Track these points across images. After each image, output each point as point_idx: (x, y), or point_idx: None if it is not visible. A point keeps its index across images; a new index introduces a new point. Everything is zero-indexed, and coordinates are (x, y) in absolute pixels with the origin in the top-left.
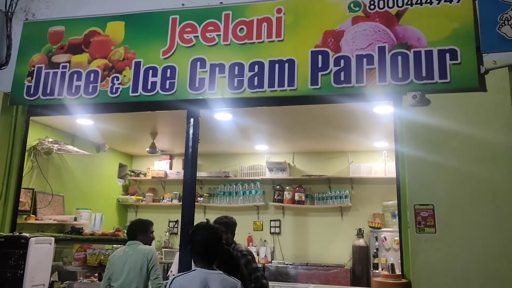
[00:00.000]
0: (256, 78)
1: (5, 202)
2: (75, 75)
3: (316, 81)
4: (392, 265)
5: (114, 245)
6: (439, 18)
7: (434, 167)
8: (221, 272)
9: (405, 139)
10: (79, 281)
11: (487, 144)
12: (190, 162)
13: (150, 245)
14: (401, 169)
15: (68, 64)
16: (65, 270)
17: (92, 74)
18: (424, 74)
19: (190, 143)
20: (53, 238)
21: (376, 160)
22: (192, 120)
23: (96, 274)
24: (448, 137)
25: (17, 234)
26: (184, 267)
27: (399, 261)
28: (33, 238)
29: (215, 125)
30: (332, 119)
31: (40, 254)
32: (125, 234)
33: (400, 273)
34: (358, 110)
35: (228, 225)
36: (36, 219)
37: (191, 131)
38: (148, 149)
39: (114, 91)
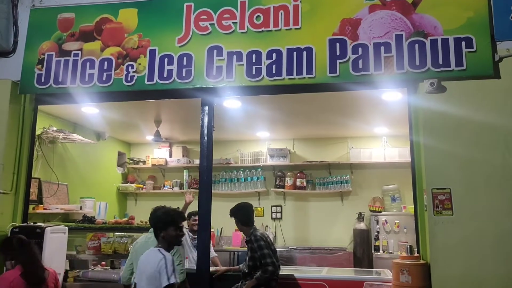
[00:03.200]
0: (274, 66)
1: (16, 192)
2: (88, 63)
3: (334, 69)
4: (411, 247)
5: (128, 233)
6: (454, 7)
7: (450, 153)
8: (158, 248)
9: (421, 126)
10: (92, 269)
11: (500, 130)
12: (206, 150)
13: None
14: (416, 154)
15: (80, 52)
16: (78, 258)
17: (106, 62)
18: (441, 61)
19: (205, 131)
20: (66, 227)
21: (375, 145)
22: (206, 108)
23: (103, 263)
24: (462, 123)
25: (32, 224)
26: (201, 252)
27: (399, 242)
28: (48, 227)
29: (222, 113)
30: (336, 105)
31: (55, 243)
32: (138, 222)
33: (418, 254)
34: (365, 96)
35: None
36: (44, 209)
37: (206, 119)
38: (152, 138)
39: (129, 79)
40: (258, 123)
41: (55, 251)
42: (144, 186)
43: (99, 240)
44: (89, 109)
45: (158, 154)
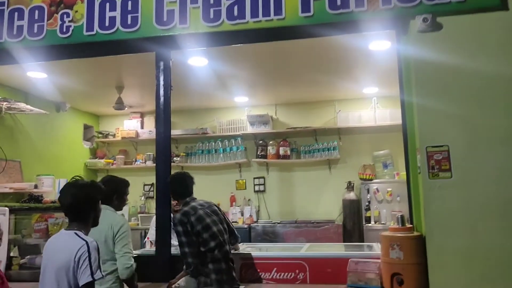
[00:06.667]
0: (236, 7)
1: None
2: (16, 13)
3: (307, 7)
4: (402, 216)
5: None
6: None
7: (446, 104)
8: (74, 231)
9: (413, 76)
10: (41, 255)
11: (506, 78)
12: (163, 113)
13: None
14: (408, 109)
15: (6, 0)
16: (25, 243)
17: (37, 11)
18: None
19: (162, 92)
20: (7, 208)
21: (365, 108)
22: (162, 63)
23: None
24: (461, 71)
25: None
26: (161, 232)
27: (392, 212)
28: None
29: (189, 73)
30: (320, 60)
31: None
32: None
33: (411, 225)
34: (351, 47)
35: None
36: None
37: (161, 77)
38: (114, 105)
39: (64, 30)
40: (235, 86)
41: None
42: (115, 161)
43: (47, 221)
44: (36, 74)
45: (128, 126)
